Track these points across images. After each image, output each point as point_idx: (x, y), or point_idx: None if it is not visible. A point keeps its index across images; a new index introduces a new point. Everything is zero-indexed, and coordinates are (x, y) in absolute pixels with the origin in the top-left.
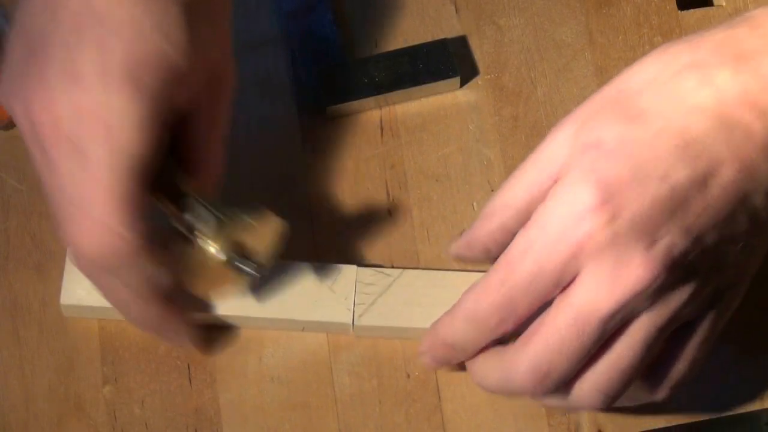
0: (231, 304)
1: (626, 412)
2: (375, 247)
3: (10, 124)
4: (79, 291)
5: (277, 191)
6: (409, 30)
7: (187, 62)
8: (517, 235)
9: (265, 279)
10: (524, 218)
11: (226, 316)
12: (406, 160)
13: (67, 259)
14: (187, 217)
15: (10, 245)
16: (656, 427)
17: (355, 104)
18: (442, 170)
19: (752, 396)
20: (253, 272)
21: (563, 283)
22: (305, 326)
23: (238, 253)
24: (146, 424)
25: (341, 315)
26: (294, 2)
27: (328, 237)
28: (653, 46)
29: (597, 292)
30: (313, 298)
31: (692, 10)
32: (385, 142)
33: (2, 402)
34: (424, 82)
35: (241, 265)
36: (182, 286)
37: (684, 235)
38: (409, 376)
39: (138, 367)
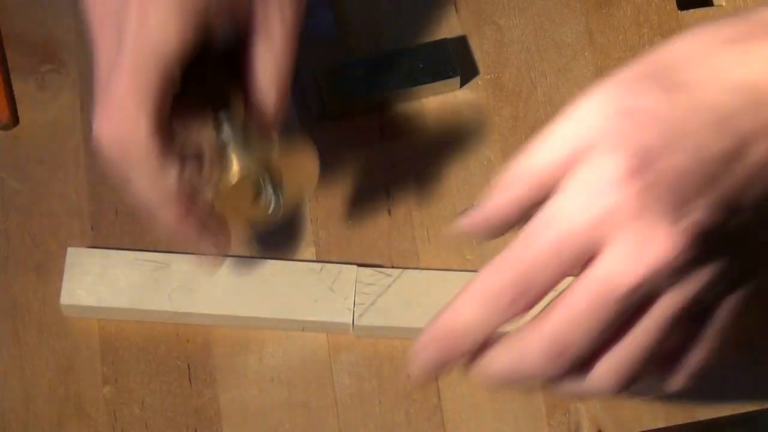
0: (231, 303)
1: (626, 412)
2: (375, 247)
3: (9, 124)
4: (79, 291)
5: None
6: (409, 30)
7: None
8: (542, 207)
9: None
10: (547, 188)
11: (226, 315)
12: (406, 160)
13: (67, 259)
14: (224, 131)
15: (10, 245)
16: (656, 426)
17: (355, 104)
18: (443, 170)
19: (752, 396)
20: (275, 203)
21: (585, 257)
22: (305, 326)
23: (270, 179)
24: (146, 424)
25: (341, 315)
26: None
27: (328, 237)
28: (653, 46)
29: (621, 265)
30: (313, 298)
31: (692, 10)
32: (385, 142)
33: (2, 402)
34: (424, 82)
35: (267, 192)
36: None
37: (713, 211)
38: (409, 376)
39: (138, 367)
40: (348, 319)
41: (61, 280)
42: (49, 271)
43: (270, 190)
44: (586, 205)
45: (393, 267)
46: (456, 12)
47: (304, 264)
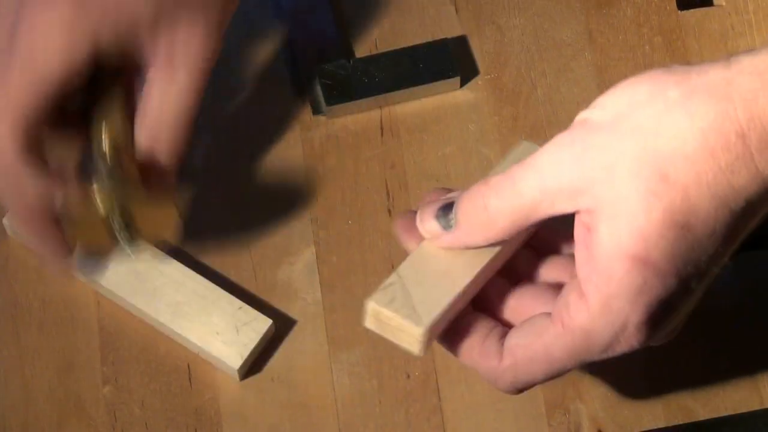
0: (140, 295)
1: (626, 412)
2: (375, 247)
3: None
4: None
5: (277, 191)
6: (409, 30)
7: (149, 20)
8: None
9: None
10: None
11: (131, 304)
12: (406, 160)
13: None
14: (95, 160)
15: (10, 245)
16: (656, 426)
17: (355, 104)
18: (442, 170)
19: (752, 396)
20: (125, 242)
21: None
22: (199, 351)
23: (120, 219)
24: (146, 424)
25: (232, 358)
26: (294, 2)
27: (328, 237)
28: (653, 46)
29: None
30: (215, 330)
31: (692, 10)
32: (385, 142)
33: (2, 402)
34: (424, 82)
35: (117, 229)
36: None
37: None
38: (409, 376)
39: (138, 367)
40: (237, 364)
41: (61, 280)
42: (49, 271)
43: (120, 229)
44: None
45: (393, 267)
46: (456, 12)
47: (227, 296)
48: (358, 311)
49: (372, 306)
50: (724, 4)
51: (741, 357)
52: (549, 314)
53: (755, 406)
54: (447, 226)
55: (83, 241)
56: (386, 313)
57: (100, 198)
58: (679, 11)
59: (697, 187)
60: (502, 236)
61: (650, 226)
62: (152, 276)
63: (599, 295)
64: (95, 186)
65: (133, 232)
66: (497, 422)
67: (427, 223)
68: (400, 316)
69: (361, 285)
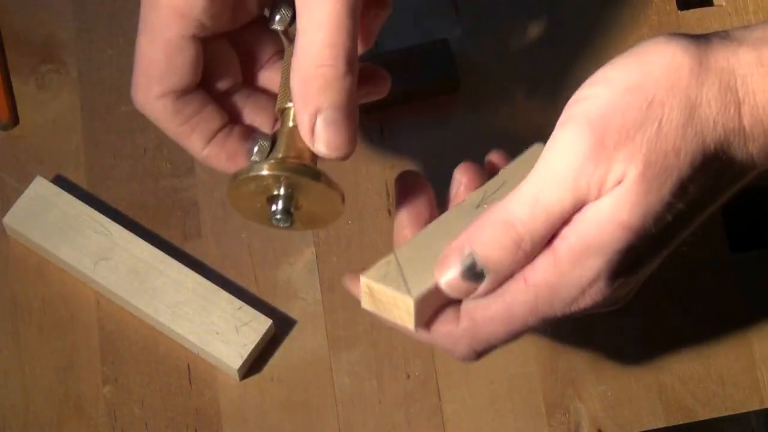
0: (140, 295)
1: (626, 412)
2: (375, 247)
3: (9, 124)
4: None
5: None
6: (409, 30)
7: None
8: None
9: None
10: None
11: (131, 305)
12: (406, 160)
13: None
14: (268, 138)
15: (10, 245)
16: (656, 426)
17: None
18: (442, 170)
19: (752, 396)
20: (280, 217)
21: None
22: (199, 351)
23: (282, 194)
24: (146, 424)
25: (231, 358)
26: None
27: (328, 237)
28: None
29: None
30: (215, 330)
31: (692, 10)
32: (385, 142)
33: (2, 402)
34: (424, 82)
35: (275, 202)
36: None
37: None
38: (409, 376)
39: (138, 367)
40: (236, 365)
41: (60, 280)
42: (49, 271)
43: (281, 205)
44: None
45: None
46: (456, 12)
47: (227, 296)
48: (358, 311)
49: (364, 281)
50: (724, 4)
51: (741, 357)
52: None
53: (755, 406)
54: (478, 279)
55: (235, 203)
56: (378, 287)
57: (268, 165)
58: (679, 11)
59: (692, 155)
60: (534, 255)
61: (635, 188)
62: (152, 276)
63: (571, 250)
64: (267, 151)
65: (293, 211)
66: (497, 422)
67: (456, 286)
68: (392, 288)
69: None
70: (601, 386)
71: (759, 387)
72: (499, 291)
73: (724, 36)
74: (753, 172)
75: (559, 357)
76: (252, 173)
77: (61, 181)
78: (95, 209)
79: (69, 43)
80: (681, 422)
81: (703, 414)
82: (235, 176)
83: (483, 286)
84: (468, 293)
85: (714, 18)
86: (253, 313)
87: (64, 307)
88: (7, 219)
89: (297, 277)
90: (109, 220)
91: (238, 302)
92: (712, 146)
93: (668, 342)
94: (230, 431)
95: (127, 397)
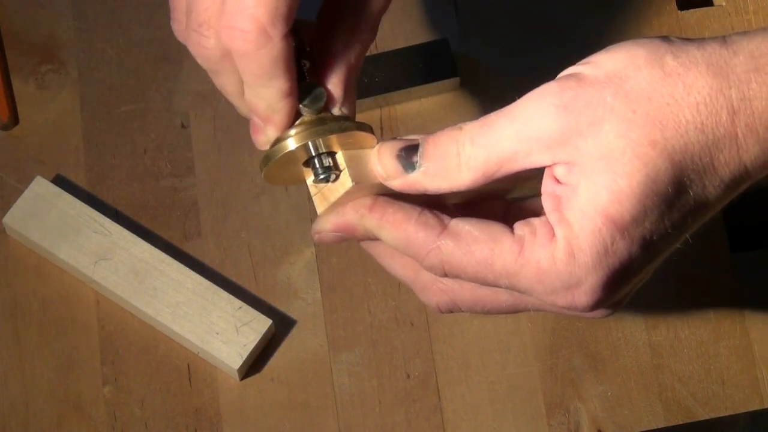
0: (141, 296)
1: (626, 412)
2: None
3: (9, 124)
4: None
5: (278, 192)
6: (409, 30)
7: None
8: None
9: None
10: None
11: (131, 305)
12: None
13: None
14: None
15: (10, 245)
16: (656, 426)
17: (355, 104)
18: None
19: (752, 396)
20: (321, 170)
21: None
22: (199, 352)
23: (324, 149)
24: (146, 424)
25: (231, 358)
26: None
27: None
28: None
29: None
30: (215, 330)
31: (692, 10)
32: None
33: (2, 402)
34: (424, 82)
35: (316, 156)
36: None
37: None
38: (409, 376)
39: (138, 367)
40: (236, 365)
41: (60, 281)
42: (49, 271)
43: (323, 162)
44: None
45: None
46: (456, 12)
47: (227, 296)
48: (359, 311)
49: (310, 183)
50: (724, 4)
51: (741, 357)
52: (510, 229)
53: (755, 406)
54: (409, 167)
55: (275, 169)
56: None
57: (308, 132)
58: (679, 11)
59: (682, 158)
60: (469, 185)
61: (629, 189)
62: (152, 276)
63: (568, 245)
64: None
65: (333, 165)
66: (497, 422)
67: (386, 160)
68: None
69: (361, 285)
70: (601, 386)
71: (759, 387)
72: (495, 236)
73: (722, 41)
74: (747, 181)
75: (559, 357)
76: (280, 154)
77: (60, 181)
78: (95, 209)
79: (69, 43)
80: (681, 422)
81: (703, 414)
82: (267, 158)
83: (412, 174)
84: (395, 175)
85: (714, 18)
86: (253, 313)
87: (64, 307)
88: (7, 219)
89: (297, 277)
90: (108, 220)
91: (238, 302)
92: (696, 149)
93: (668, 342)
94: (230, 431)
95: (127, 397)
